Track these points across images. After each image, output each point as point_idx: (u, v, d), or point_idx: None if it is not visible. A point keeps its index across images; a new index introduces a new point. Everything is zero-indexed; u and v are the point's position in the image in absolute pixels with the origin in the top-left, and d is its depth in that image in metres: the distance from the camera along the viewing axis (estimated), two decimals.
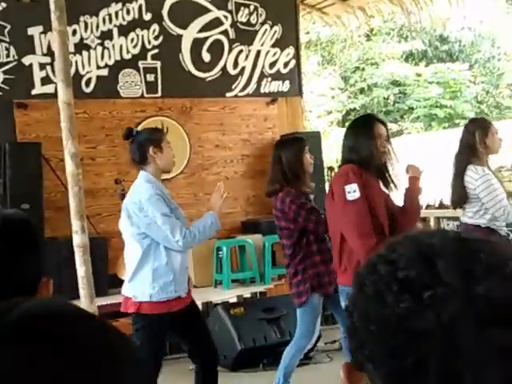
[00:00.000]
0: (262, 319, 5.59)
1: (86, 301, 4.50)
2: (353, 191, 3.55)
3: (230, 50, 8.50)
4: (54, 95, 5.15)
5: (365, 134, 3.71)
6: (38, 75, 7.40)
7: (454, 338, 0.61)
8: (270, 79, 8.77)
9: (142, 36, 7.98)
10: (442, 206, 9.26)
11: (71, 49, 7.04)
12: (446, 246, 0.66)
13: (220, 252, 7.55)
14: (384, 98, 18.53)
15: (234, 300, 6.25)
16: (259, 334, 5.50)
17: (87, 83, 7.67)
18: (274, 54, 8.79)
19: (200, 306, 6.30)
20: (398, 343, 0.63)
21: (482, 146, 4.61)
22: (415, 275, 0.64)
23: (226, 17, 8.48)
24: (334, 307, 4.33)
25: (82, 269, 4.51)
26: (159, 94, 8.11)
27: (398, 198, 3.88)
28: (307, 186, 4.40)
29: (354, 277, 0.72)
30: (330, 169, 7.80)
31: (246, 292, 6.75)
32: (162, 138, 3.83)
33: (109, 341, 0.51)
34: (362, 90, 18.45)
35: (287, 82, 8.89)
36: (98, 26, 7.75)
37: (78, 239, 4.52)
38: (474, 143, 4.61)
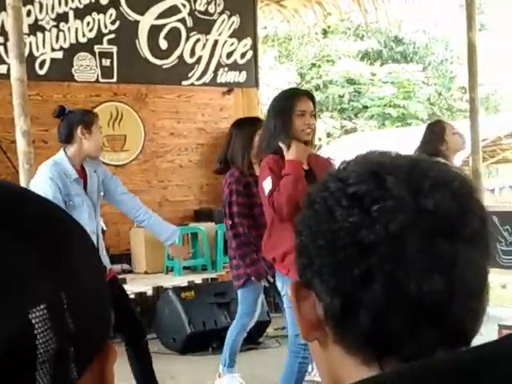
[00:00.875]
0: (212, 303, 5.61)
1: None
2: (267, 185, 3.43)
3: (188, 38, 8.48)
4: (7, 76, 5.08)
5: (283, 117, 3.47)
6: None
7: (401, 249, 0.62)
8: (226, 69, 8.78)
9: (99, 20, 7.91)
10: None
11: (25, 30, 6.91)
12: (396, 164, 0.68)
13: None
14: (339, 96, 18.72)
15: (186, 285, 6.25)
16: (209, 318, 5.51)
17: (41, 65, 7.57)
18: (232, 45, 8.80)
19: (151, 291, 6.32)
20: (346, 256, 0.64)
21: (445, 146, 4.76)
22: (365, 190, 0.65)
23: (184, 5, 8.45)
24: (276, 293, 4.29)
25: None
26: (115, 79, 8.04)
27: None
28: (251, 168, 4.25)
29: (304, 196, 0.73)
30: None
31: (198, 278, 6.76)
32: (94, 120, 3.80)
33: (54, 214, 0.51)
34: (317, 87, 18.59)
35: (244, 72, 8.92)
36: (53, 8, 7.65)
37: None
38: (437, 144, 4.77)
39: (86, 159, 3.81)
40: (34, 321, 0.42)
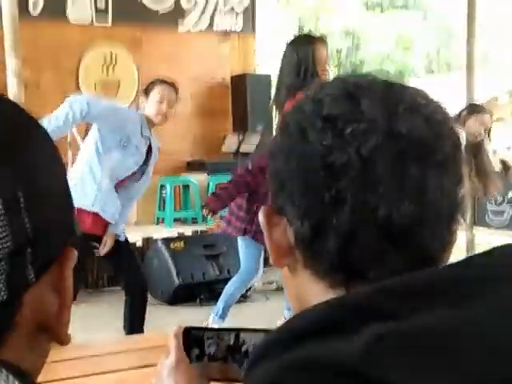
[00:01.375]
0: (201, 255, 5.61)
1: None
2: None
3: None
4: None
5: (306, 58, 3.59)
6: None
7: (372, 172, 0.62)
8: (223, 15, 8.60)
9: None
10: None
11: None
12: (372, 87, 0.66)
13: (163, 190, 7.48)
14: (337, 51, 18.51)
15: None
16: (198, 270, 5.51)
17: (34, 6, 7.38)
18: None
19: (140, 242, 6.30)
20: (317, 179, 0.63)
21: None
22: (339, 112, 0.64)
23: None
24: None
25: None
26: (109, 22, 7.86)
27: None
28: None
29: (279, 119, 0.71)
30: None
31: (188, 230, 6.73)
32: (153, 86, 3.85)
33: (11, 113, 0.49)
34: None
35: (241, 19, 8.73)
36: None
37: None
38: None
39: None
40: None
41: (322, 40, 3.80)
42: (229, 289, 4.46)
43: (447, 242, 0.66)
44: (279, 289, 5.65)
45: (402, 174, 0.62)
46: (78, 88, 7.70)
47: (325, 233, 0.63)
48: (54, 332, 0.49)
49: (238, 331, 1.00)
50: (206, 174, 7.80)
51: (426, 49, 19.30)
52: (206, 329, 1.05)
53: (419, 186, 0.62)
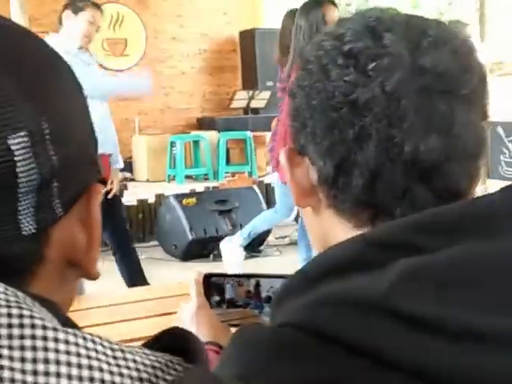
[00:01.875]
0: (213, 211, 5.61)
1: None
2: None
3: None
4: None
5: (317, 21, 3.63)
6: None
7: (397, 107, 0.60)
8: None
9: None
10: None
11: None
12: (395, 21, 0.65)
13: (174, 147, 7.47)
14: (346, 5, 18.25)
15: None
16: (210, 225, 5.52)
17: None
18: None
19: (152, 198, 6.32)
20: (340, 116, 0.62)
21: None
22: (361, 47, 0.62)
23: None
24: None
25: None
26: None
27: None
28: None
29: (299, 57, 0.70)
30: None
31: (199, 187, 6.74)
32: (85, 8, 3.64)
33: (30, 43, 0.48)
34: None
35: None
36: None
37: None
38: None
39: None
40: (13, 147, 0.41)
41: (332, 3, 3.80)
42: (258, 218, 4.71)
43: (474, 176, 0.65)
44: (292, 243, 5.67)
45: (429, 108, 0.61)
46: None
47: (349, 170, 0.62)
48: (82, 267, 0.49)
49: (257, 277, 1.00)
50: (216, 131, 7.78)
51: (437, 3, 19.00)
52: (226, 275, 1.04)
53: (446, 121, 0.61)
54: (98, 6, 3.79)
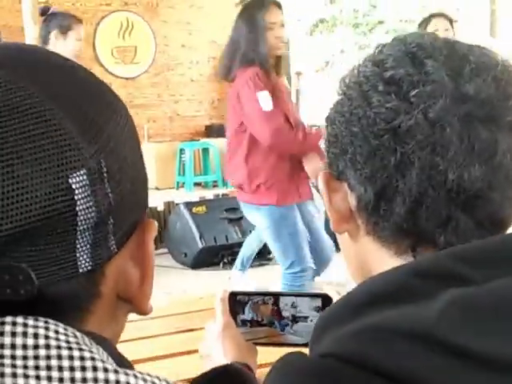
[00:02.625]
0: (223, 218, 5.61)
1: None
2: (266, 100, 3.14)
3: None
4: None
5: (258, 24, 3.21)
6: None
7: (440, 135, 0.60)
8: None
9: None
10: None
11: None
12: (435, 47, 0.64)
13: (183, 155, 7.48)
14: (354, 10, 18.25)
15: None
16: (220, 233, 5.53)
17: None
18: None
19: (162, 206, 6.33)
20: (382, 143, 0.61)
21: None
22: (403, 74, 0.62)
23: None
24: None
25: None
26: None
27: None
28: None
29: (338, 82, 0.69)
30: (298, 73, 7.69)
31: (209, 194, 6.74)
32: (72, 26, 3.66)
33: (90, 82, 0.50)
34: (332, 0, 18.10)
35: None
36: None
37: None
38: None
39: None
40: (74, 186, 0.42)
41: (274, 3, 3.36)
42: (244, 249, 4.62)
43: None
44: None
45: (472, 136, 0.60)
46: (95, 54, 7.68)
47: (391, 198, 0.62)
48: (135, 302, 0.50)
49: (282, 295, 1.00)
50: (225, 139, 7.77)
51: (446, 8, 18.96)
52: (251, 293, 1.04)
53: (489, 149, 0.61)
54: (79, 20, 3.82)
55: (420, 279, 0.52)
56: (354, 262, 0.71)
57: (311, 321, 0.98)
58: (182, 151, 7.49)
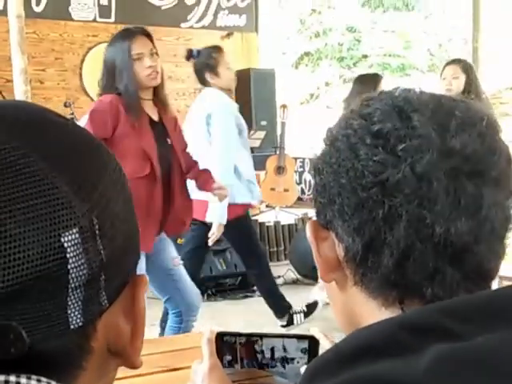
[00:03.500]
0: (208, 250, 5.59)
1: None
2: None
3: None
4: (3, 12, 4.92)
5: (123, 55, 3.09)
6: None
7: (427, 189, 0.61)
8: (226, 12, 8.59)
9: None
10: None
11: None
12: (422, 101, 0.65)
13: None
14: (338, 44, 18.46)
15: None
16: (205, 265, 5.49)
17: (37, 2, 7.36)
18: None
19: None
20: (370, 196, 0.62)
21: None
22: (390, 128, 0.63)
23: None
24: None
25: None
26: (112, 19, 7.85)
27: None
28: None
29: (325, 133, 0.70)
30: (283, 106, 7.75)
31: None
32: (218, 61, 3.73)
33: (81, 139, 0.50)
34: (317, 34, 18.31)
35: (244, 16, 8.73)
36: None
37: None
38: None
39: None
40: (66, 244, 0.42)
41: (142, 33, 3.28)
42: None
43: (500, 255, 0.66)
44: (286, 283, 5.66)
45: (458, 191, 0.61)
46: (81, 84, 7.69)
47: (379, 249, 0.63)
48: (126, 357, 0.50)
49: (270, 337, 1.00)
50: None
51: (428, 45, 19.26)
52: (238, 334, 1.04)
53: (475, 203, 0.62)
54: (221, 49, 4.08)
55: (408, 333, 0.52)
56: (342, 312, 0.71)
57: (298, 362, 0.98)
58: None
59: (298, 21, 18.07)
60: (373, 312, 0.64)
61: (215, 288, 5.47)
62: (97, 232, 0.44)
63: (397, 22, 18.54)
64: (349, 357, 0.53)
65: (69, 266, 0.42)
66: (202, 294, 5.43)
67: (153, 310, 4.85)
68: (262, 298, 5.53)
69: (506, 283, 3.55)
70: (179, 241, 5.52)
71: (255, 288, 5.63)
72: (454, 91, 4.35)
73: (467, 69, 4.56)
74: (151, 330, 4.35)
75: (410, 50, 18.65)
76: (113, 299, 0.47)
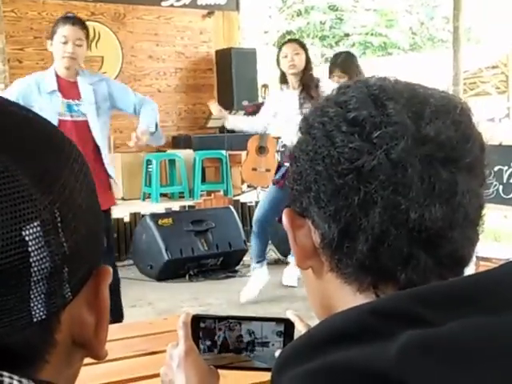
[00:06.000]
0: (190, 231, 5.60)
1: None
2: None
3: None
4: None
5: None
6: None
7: (402, 175, 0.61)
8: None
9: None
10: None
11: None
12: (397, 90, 0.66)
13: (149, 165, 7.46)
14: (320, 23, 18.39)
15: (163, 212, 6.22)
16: (186, 246, 5.51)
17: None
18: None
19: (128, 217, 6.29)
20: (346, 182, 0.63)
21: None
22: (365, 115, 0.64)
23: None
24: None
25: None
26: None
27: None
28: None
29: (301, 121, 0.70)
30: (264, 86, 7.73)
31: (175, 206, 6.73)
32: (56, 29, 3.46)
33: (42, 130, 0.49)
34: (299, 13, 18.22)
35: None
36: None
37: None
38: None
39: (75, 71, 3.56)
40: (27, 238, 0.42)
41: (68, 21, 3.49)
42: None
43: (474, 241, 0.66)
44: (268, 263, 5.68)
45: (432, 177, 0.62)
46: None
47: (354, 235, 0.63)
48: (90, 348, 0.50)
49: (249, 320, 0.99)
50: (191, 150, 7.78)
51: (410, 23, 19.22)
52: (215, 317, 1.03)
53: (449, 190, 0.62)
54: (68, 20, 3.52)
55: (380, 319, 0.53)
56: (318, 299, 0.71)
57: (273, 345, 0.99)
58: (148, 162, 7.46)
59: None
60: (347, 297, 0.65)
61: (197, 268, 5.48)
62: (59, 224, 0.44)
63: (379, 0, 18.49)
64: (320, 343, 0.53)
65: (31, 260, 0.42)
66: (184, 274, 5.47)
67: (133, 290, 4.87)
68: (243, 279, 5.55)
69: (482, 263, 3.59)
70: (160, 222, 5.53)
71: (237, 268, 5.66)
72: (297, 66, 4.46)
73: (304, 46, 4.71)
74: (132, 311, 4.36)
75: (392, 28, 18.62)
76: (77, 291, 0.47)
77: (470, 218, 0.65)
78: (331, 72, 4.90)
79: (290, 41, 4.85)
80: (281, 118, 4.65)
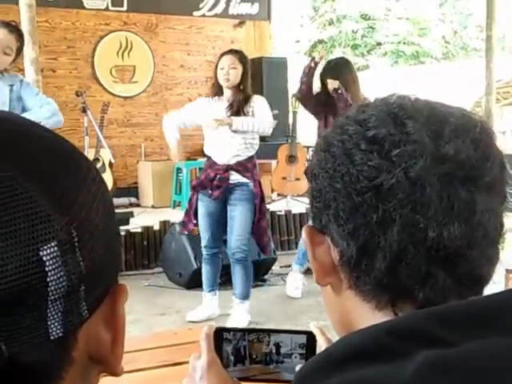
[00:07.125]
0: None
1: None
2: None
3: None
4: (14, 0, 4.93)
5: None
6: None
7: (421, 194, 0.61)
8: (238, 0, 8.56)
9: None
10: None
11: None
12: (417, 108, 0.66)
13: (180, 174, 7.50)
14: (352, 32, 18.35)
15: None
16: None
17: None
18: None
19: (157, 226, 6.33)
20: (364, 200, 0.63)
21: None
22: (385, 134, 0.64)
23: None
24: None
25: None
26: (125, 7, 7.85)
27: None
28: None
29: (321, 139, 0.71)
30: (295, 95, 7.73)
31: None
32: None
33: (59, 149, 0.50)
34: (331, 22, 18.22)
35: (256, 4, 8.69)
36: None
37: None
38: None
39: None
40: (44, 258, 0.42)
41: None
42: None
43: (493, 260, 0.66)
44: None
45: (451, 196, 0.62)
46: (93, 73, 7.72)
47: (372, 253, 0.63)
48: (107, 364, 0.50)
49: (273, 332, 1.00)
50: None
51: (443, 31, 19.08)
52: (237, 330, 1.03)
53: (468, 208, 0.62)
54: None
55: (397, 339, 0.53)
56: (337, 315, 0.72)
57: (295, 357, 0.99)
58: (178, 170, 7.51)
59: (312, 8, 17.98)
60: (366, 315, 0.65)
61: (225, 277, 5.48)
62: (76, 244, 0.44)
63: (411, 9, 18.40)
64: (338, 361, 0.54)
65: (48, 279, 0.42)
66: None
67: (163, 298, 4.89)
68: (272, 287, 5.56)
69: None
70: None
71: (266, 277, 5.66)
72: (231, 81, 4.28)
73: (244, 59, 4.45)
74: (160, 319, 4.38)
75: (425, 37, 18.50)
76: (93, 309, 0.47)
77: (489, 237, 0.64)
78: (323, 80, 4.83)
79: (229, 52, 4.48)
80: (202, 124, 4.62)
